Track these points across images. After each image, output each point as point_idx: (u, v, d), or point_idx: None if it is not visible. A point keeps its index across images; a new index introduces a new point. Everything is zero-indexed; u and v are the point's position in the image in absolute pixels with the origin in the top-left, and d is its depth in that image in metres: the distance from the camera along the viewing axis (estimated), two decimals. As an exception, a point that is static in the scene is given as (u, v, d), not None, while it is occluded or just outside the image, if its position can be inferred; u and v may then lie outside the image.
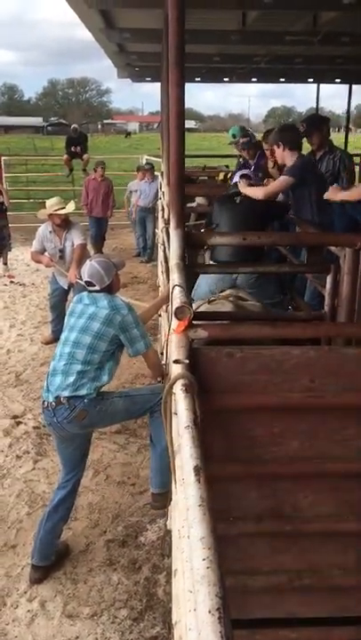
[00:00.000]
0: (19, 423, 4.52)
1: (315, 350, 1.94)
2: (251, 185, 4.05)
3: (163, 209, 4.97)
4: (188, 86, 3.40)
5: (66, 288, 5.93)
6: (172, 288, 2.09)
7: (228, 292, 3.39)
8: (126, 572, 3.04)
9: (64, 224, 5.65)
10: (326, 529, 2.09)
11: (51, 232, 5.70)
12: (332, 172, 4.87)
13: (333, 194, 3.45)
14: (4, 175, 12.61)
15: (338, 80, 9.49)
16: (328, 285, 3.00)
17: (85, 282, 3.08)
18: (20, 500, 3.63)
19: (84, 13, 5.49)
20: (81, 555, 3.19)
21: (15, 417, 4.63)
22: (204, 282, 3.63)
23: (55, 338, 5.75)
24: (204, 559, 0.88)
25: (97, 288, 3.05)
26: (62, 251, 5.73)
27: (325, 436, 1.97)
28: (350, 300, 2.76)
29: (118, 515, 3.49)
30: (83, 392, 2.84)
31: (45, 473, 3.90)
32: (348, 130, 10.61)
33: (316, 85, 9.87)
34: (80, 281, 3.19)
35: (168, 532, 3.14)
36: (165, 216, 3.81)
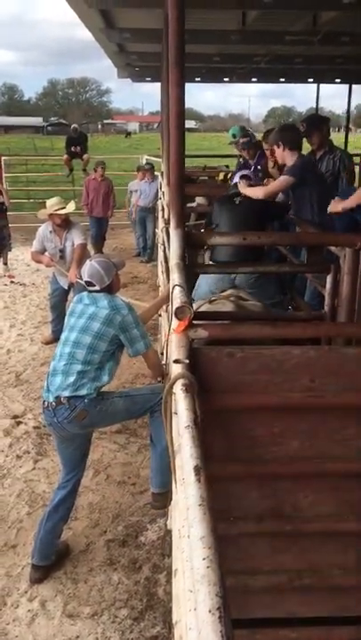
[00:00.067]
0: (19, 423, 4.53)
1: (315, 350, 1.94)
2: (251, 185, 4.05)
3: (163, 209, 4.97)
4: (188, 86, 3.40)
5: (66, 288, 5.93)
6: (172, 288, 2.09)
7: (229, 291, 3.39)
8: (127, 572, 3.04)
9: (64, 224, 5.65)
10: (327, 529, 2.09)
11: (51, 232, 5.70)
12: (332, 171, 4.87)
13: (335, 206, 3.47)
14: (4, 175, 12.61)
15: (338, 80, 9.49)
16: (328, 285, 3.00)
17: (85, 282, 3.08)
18: (21, 499, 3.63)
19: (84, 13, 5.49)
20: (81, 554, 3.19)
21: (15, 417, 4.63)
22: (205, 282, 3.63)
23: (55, 338, 5.75)
24: (204, 559, 0.88)
25: (97, 288, 3.05)
26: (62, 251, 5.73)
27: (326, 436, 1.97)
28: (350, 300, 2.77)
29: (119, 514, 3.49)
30: (83, 392, 2.85)
31: (46, 473, 3.90)
32: (348, 130, 10.61)
33: (316, 85, 9.87)
34: (80, 281, 3.19)
35: (168, 532, 3.14)
36: (165, 216, 3.81)
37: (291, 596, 2.15)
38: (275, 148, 4.12)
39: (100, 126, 76.81)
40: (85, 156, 12.92)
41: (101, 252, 9.18)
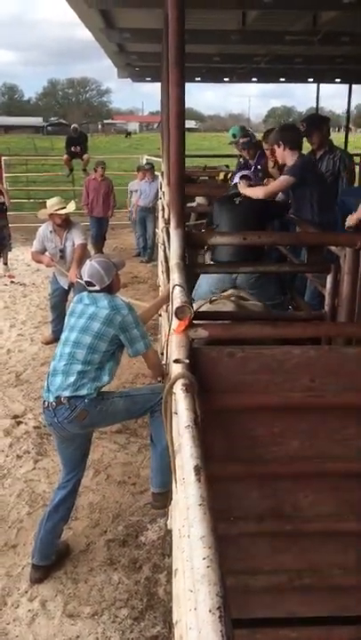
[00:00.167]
0: (19, 423, 4.53)
1: (315, 350, 1.94)
2: (251, 185, 4.05)
3: (163, 209, 4.97)
4: (188, 86, 3.40)
5: (66, 288, 5.93)
6: (173, 288, 2.09)
7: (229, 291, 3.39)
8: (127, 572, 3.04)
9: (65, 224, 5.65)
10: (327, 528, 2.09)
11: (51, 232, 5.70)
12: (332, 171, 4.87)
13: (352, 220, 3.51)
14: (4, 175, 12.61)
15: (338, 80, 9.49)
16: (328, 285, 3.00)
17: (85, 282, 3.08)
18: (21, 499, 3.63)
19: (84, 13, 5.49)
20: (81, 554, 3.19)
21: (16, 417, 4.63)
22: (205, 281, 3.63)
23: (55, 338, 5.75)
24: (204, 558, 0.88)
25: (97, 288, 3.05)
26: (63, 250, 5.73)
27: (326, 436, 1.97)
28: (350, 300, 2.76)
29: (119, 514, 3.49)
30: (83, 392, 2.85)
31: (46, 473, 3.90)
32: (348, 129, 10.61)
33: (316, 85, 9.87)
34: (80, 281, 3.19)
35: (168, 532, 3.14)
36: (165, 216, 3.81)
37: (291, 595, 2.15)
38: (275, 147, 4.12)
39: (100, 126, 76.82)
40: (85, 156, 12.92)
41: (101, 252, 9.19)
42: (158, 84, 7.78)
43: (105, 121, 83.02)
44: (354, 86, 9.58)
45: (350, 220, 3.58)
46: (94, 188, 9.51)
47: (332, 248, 3.01)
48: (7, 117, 76.41)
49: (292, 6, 5.20)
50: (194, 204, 5.75)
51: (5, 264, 8.93)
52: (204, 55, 7.17)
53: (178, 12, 2.14)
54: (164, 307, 3.50)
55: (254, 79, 9.59)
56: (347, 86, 9.60)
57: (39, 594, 2.92)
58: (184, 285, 2.07)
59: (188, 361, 1.65)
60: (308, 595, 2.14)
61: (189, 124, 68.66)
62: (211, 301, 3.19)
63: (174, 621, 1.39)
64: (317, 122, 5.13)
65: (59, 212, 5.55)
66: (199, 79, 9.15)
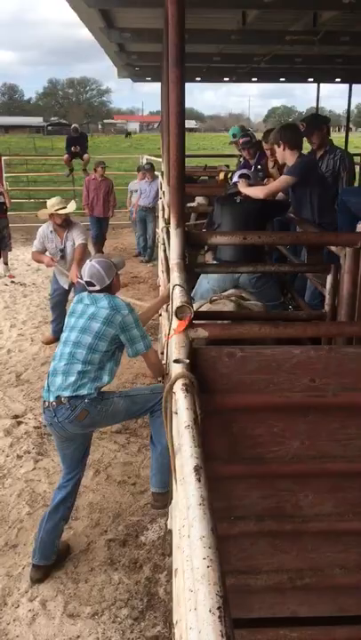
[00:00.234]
0: (19, 423, 4.53)
1: (315, 350, 1.94)
2: (250, 185, 4.05)
3: (163, 208, 4.97)
4: (189, 86, 3.41)
5: (66, 288, 5.93)
6: (173, 288, 2.09)
7: (230, 291, 3.40)
8: (127, 572, 3.04)
9: (65, 224, 5.66)
10: (327, 528, 2.09)
11: (52, 232, 5.70)
12: (332, 171, 4.87)
13: None
14: (4, 175, 12.61)
15: (338, 79, 9.47)
16: (328, 285, 3.00)
17: (86, 282, 3.08)
18: (21, 499, 3.63)
19: (84, 13, 5.48)
20: (82, 554, 3.19)
21: (16, 417, 4.63)
22: (206, 281, 3.63)
23: (56, 338, 5.76)
24: (204, 558, 0.88)
25: (97, 288, 3.05)
26: (63, 250, 5.73)
27: (326, 436, 1.97)
28: (351, 300, 2.76)
29: (119, 514, 3.49)
30: (83, 392, 2.85)
31: (46, 473, 3.90)
32: (348, 129, 10.60)
33: (316, 85, 9.85)
34: (81, 281, 3.19)
35: (169, 532, 3.14)
36: (166, 216, 3.81)
37: (291, 595, 2.15)
38: (275, 147, 4.12)
39: (100, 126, 76.87)
40: (86, 156, 12.92)
41: (102, 252, 9.19)
42: (158, 84, 7.78)
43: (105, 121, 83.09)
44: (354, 86, 9.57)
45: None
46: (94, 187, 9.52)
47: (332, 248, 3.01)
48: (7, 117, 76.52)
49: (292, 6, 5.19)
50: (194, 204, 5.75)
51: (6, 264, 8.93)
52: (204, 55, 7.16)
53: (178, 11, 2.14)
54: (165, 307, 3.50)
55: (254, 79, 9.58)
56: (347, 86, 9.59)
57: (39, 594, 2.92)
58: (184, 285, 2.07)
59: (188, 361, 1.65)
60: (308, 594, 2.14)
61: (189, 123, 68.76)
62: (211, 301, 3.19)
63: (174, 621, 1.39)
64: (317, 122, 5.13)
65: (59, 212, 5.55)
66: (199, 79, 9.13)
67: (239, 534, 2.08)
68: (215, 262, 3.68)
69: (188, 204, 5.45)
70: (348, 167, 4.98)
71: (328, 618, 2.22)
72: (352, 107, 11.12)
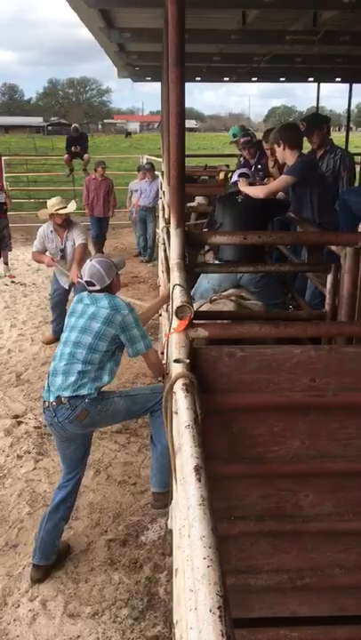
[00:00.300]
0: (20, 423, 4.53)
1: (316, 349, 1.94)
2: (250, 184, 4.05)
3: (163, 208, 4.97)
4: (189, 86, 3.42)
5: (67, 288, 5.94)
6: (173, 288, 2.09)
7: (230, 291, 3.40)
8: (127, 572, 3.04)
9: (65, 224, 5.66)
10: (327, 528, 2.09)
11: (52, 232, 5.71)
12: (332, 171, 4.87)
13: None
14: (4, 175, 12.62)
15: (338, 79, 9.47)
16: (329, 284, 3.00)
17: (86, 282, 3.08)
18: (21, 499, 3.63)
19: (84, 13, 5.48)
20: (82, 554, 3.19)
21: (16, 417, 4.64)
22: (206, 280, 3.63)
23: (56, 338, 5.76)
24: (204, 558, 0.88)
25: (97, 288, 3.05)
26: (63, 250, 5.73)
27: (326, 435, 1.97)
28: (351, 299, 2.76)
29: (119, 514, 3.49)
30: (84, 392, 2.85)
31: (46, 472, 3.90)
32: (348, 129, 10.59)
33: (316, 84, 9.85)
34: (81, 280, 3.19)
35: (169, 532, 3.14)
36: (166, 215, 3.81)
37: (292, 595, 2.15)
38: (275, 147, 4.12)
39: (100, 126, 76.88)
40: (86, 156, 12.92)
41: (102, 252, 9.19)
42: (158, 84, 7.77)
43: (105, 121, 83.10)
44: (354, 86, 9.57)
45: None
46: (95, 187, 9.52)
47: (333, 248, 3.00)
48: (7, 117, 76.54)
49: (292, 5, 5.19)
50: (194, 204, 5.75)
51: (6, 264, 8.93)
52: (204, 55, 7.16)
53: (178, 11, 2.14)
54: (165, 306, 3.50)
55: (254, 79, 9.58)
56: (347, 85, 9.59)
57: (40, 594, 2.92)
58: (184, 285, 2.07)
59: (188, 360, 1.65)
60: (308, 594, 2.14)
61: (189, 123, 68.77)
62: (211, 301, 3.19)
63: (175, 621, 1.39)
64: (318, 121, 5.12)
65: (59, 212, 5.55)
66: (199, 79, 9.12)
67: (239, 534, 2.08)
68: (216, 262, 3.68)
69: (188, 204, 5.45)
70: (349, 167, 4.97)
71: (328, 618, 2.22)
72: (352, 106, 11.12)
